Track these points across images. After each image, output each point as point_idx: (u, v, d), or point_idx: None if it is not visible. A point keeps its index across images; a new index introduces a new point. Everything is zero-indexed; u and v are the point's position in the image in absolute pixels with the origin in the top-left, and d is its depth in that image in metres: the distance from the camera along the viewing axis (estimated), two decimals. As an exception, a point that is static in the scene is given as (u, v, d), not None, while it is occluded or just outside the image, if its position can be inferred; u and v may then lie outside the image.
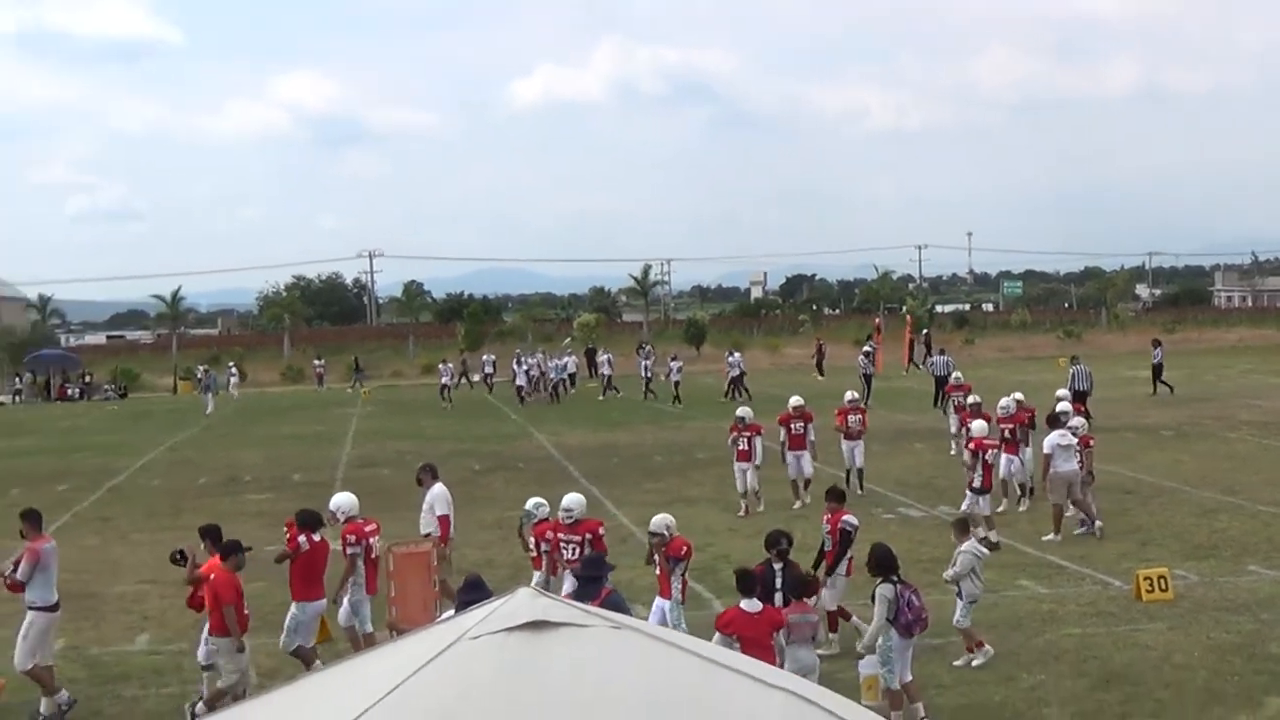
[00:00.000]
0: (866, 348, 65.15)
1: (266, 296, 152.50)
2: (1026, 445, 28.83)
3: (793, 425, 30.23)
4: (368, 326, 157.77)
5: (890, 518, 28.42)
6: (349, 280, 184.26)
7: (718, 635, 13.83)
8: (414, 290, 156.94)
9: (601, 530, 18.66)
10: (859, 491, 30.37)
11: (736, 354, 68.25)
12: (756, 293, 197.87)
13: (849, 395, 32.75)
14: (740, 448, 29.67)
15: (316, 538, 17.93)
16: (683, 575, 17.43)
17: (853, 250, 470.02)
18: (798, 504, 29.43)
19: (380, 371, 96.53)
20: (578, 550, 18.12)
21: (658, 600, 17.38)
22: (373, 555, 18.68)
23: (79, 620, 20.74)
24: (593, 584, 14.75)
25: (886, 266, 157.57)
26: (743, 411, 30.76)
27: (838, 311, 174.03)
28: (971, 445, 26.21)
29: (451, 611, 14.30)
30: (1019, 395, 30.66)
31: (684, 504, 30.09)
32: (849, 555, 19.02)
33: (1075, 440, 26.24)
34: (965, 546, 17.86)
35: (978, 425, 27.03)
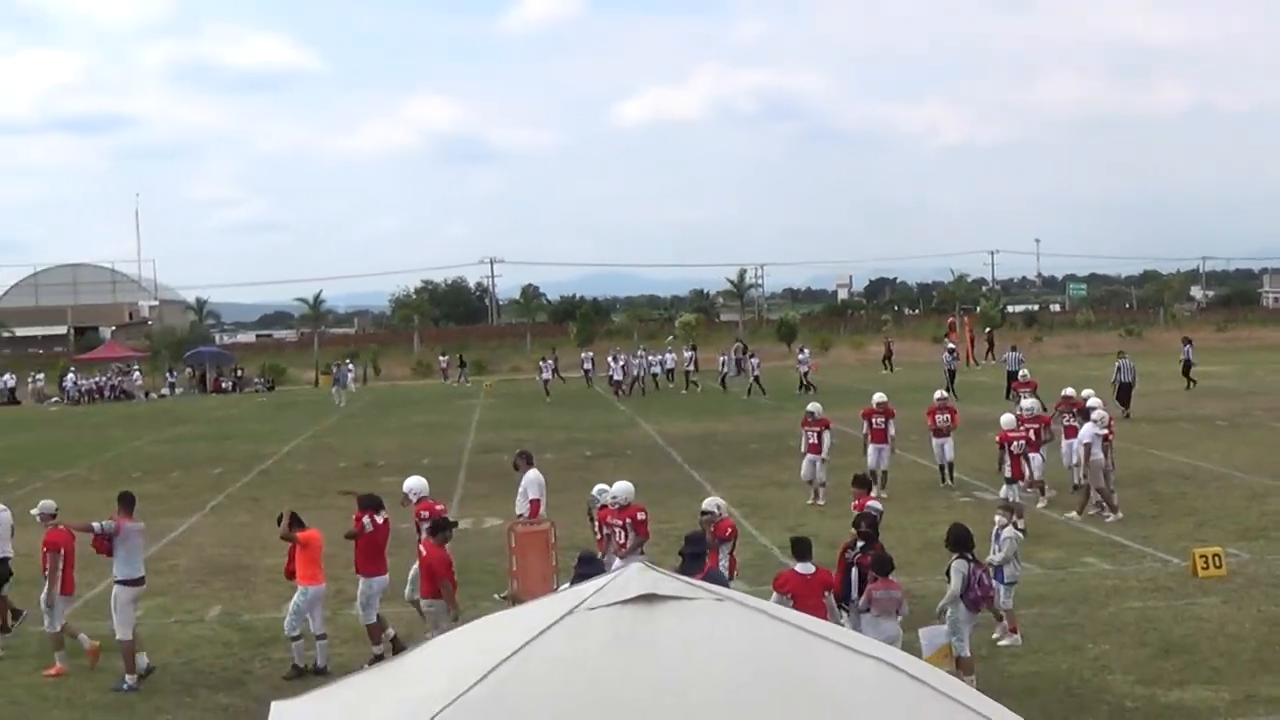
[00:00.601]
0: (950, 345, 64.64)
1: (398, 299, 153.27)
2: (1071, 439, 28.15)
3: (874, 420, 29.39)
4: (489, 326, 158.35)
5: (966, 500, 28.18)
6: (472, 284, 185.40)
7: (774, 595, 13.89)
8: (531, 293, 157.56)
9: (641, 515, 18.20)
10: (946, 483, 29.77)
11: (805, 352, 68.64)
12: (843, 294, 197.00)
13: (938, 394, 31.47)
14: (810, 441, 28.85)
15: (380, 519, 18.00)
16: (730, 553, 17.34)
17: (930, 255, 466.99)
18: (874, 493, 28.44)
19: (500, 367, 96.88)
20: (622, 533, 18.03)
21: None
22: None
23: (233, 589, 20.97)
24: (695, 560, 14.70)
25: (962, 270, 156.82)
26: (813, 407, 29.86)
27: (917, 312, 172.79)
28: (998, 438, 25.95)
29: (568, 584, 14.34)
30: (1069, 390, 30.10)
31: (777, 488, 30.01)
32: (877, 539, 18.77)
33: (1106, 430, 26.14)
34: (1008, 532, 17.65)
35: (1005, 419, 26.75)
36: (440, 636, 7.38)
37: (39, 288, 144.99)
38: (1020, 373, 41.59)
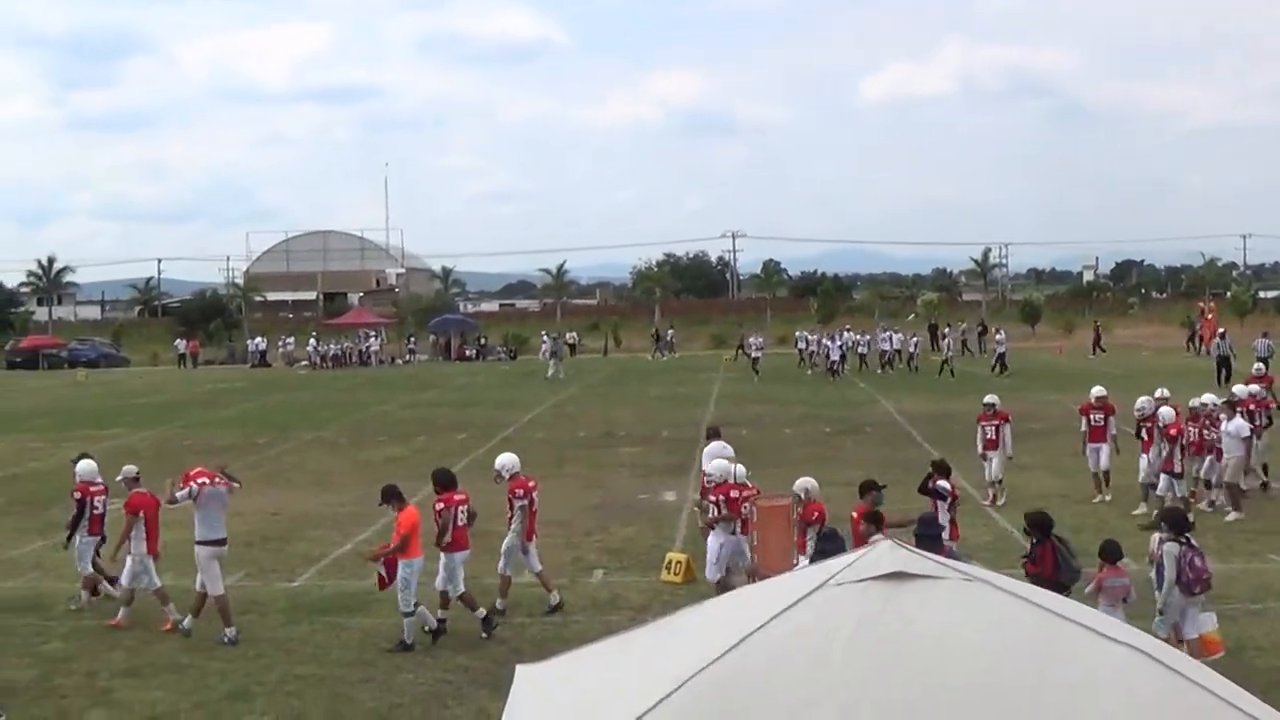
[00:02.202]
0: (1220, 329, 62.84)
1: (639, 271, 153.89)
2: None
3: (1092, 416, 26.96)
4: (729, 300, 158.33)
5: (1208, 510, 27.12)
6: (713, 258, 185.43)
7: None
8: (772, 268, 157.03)
9: (735, 494, 18.21)
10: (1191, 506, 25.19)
11: (1002, 333, 68.26)
12: (1088, 276, 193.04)
13: (1202, 400, 27.49)
14: (987, 436, 26.88)
15: (459, 497, 18.16)
16: (816, 536, 17.29)
17: (1179, 238, 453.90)
18: (1098, 498, 26.44)
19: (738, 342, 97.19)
20: (714, 509, 18.25)
21: (800, 557, 17.27)
22: (534, 508, 19.07)
23: (476, 554, 21.32)
24: (931, 541, 14.56)
25: (1212, 254, 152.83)
26: (990, 399, 27.83)
27: (1164, 295, 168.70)
28: (1172, 431, 24.75)
29: (804, 560, 14.33)
30: (1165, 392, 27.43)
31: (1017, 470, 29.34)
32: (951, 519, 18.40)
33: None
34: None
35: (1165, 412, 24.98)
36: (688, 609, 7.44)
37: (290, 254, 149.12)
38: (1254, 366, 38.70)
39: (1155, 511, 23.91)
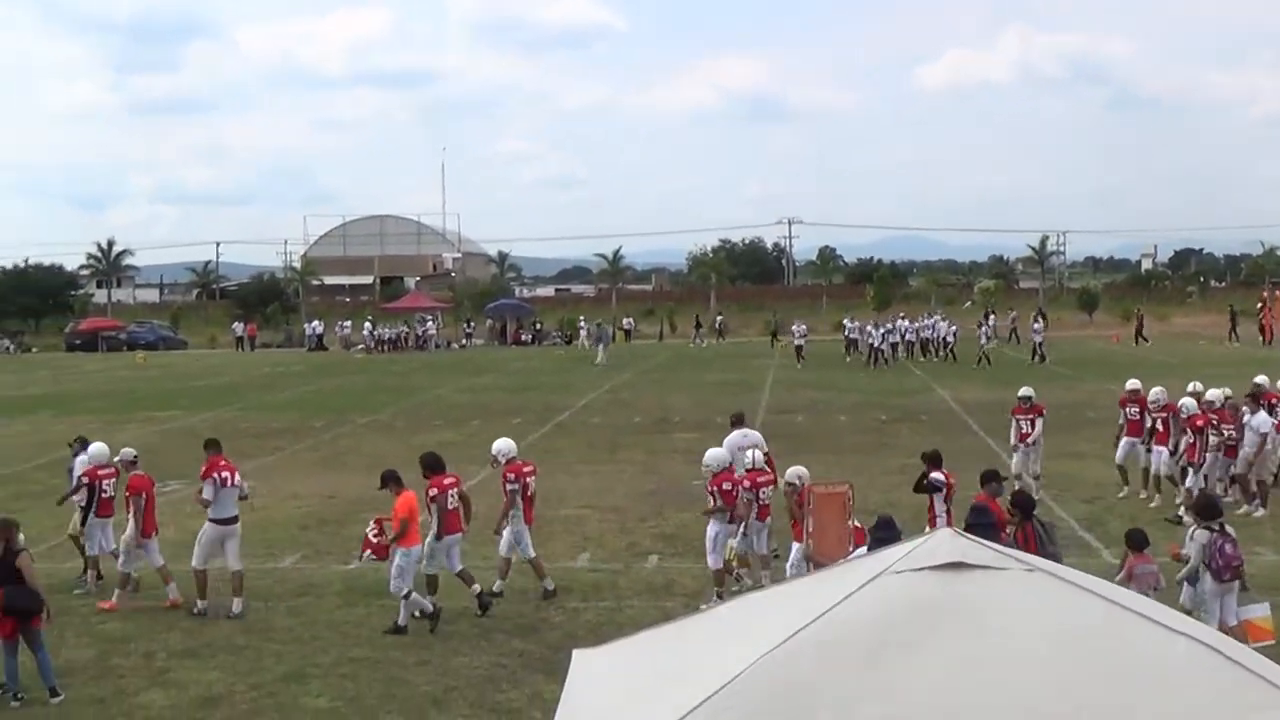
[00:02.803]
0: None
1: (695, 257, 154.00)
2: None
3: (1128, 409, 26.06)
4: (785, 287, 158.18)
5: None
6: (769, 244, 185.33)
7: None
8: (827, 255, 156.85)
9: (728, 485, 18.46)
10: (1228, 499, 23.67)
11: (1040, 321, 67.87)
12: (1146, 264, 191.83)
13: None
14: (1022, 430, 25.89)
15: (452, 494, 18.29)
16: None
17: (1240, 226, 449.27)
18: (1143, 494, 25.56)
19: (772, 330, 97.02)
20: (710, 499, 18.49)
21: (793, 543, 17.33)
22: (529, 492, 19.16)
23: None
24: (985, 530, 14.39)
25: (1272, 243, 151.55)
26: (1026, 391, 26.90)
27: (1223, 284, 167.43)
28: (1199, 422, 24.12)
29: (863, 549, 14.28)
30: (1198, 385, 26.67)
31: (1073, 459, 29.29)
32: (946, 510, 18.21)
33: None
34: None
35: (1187, 403, 24.61)
36: (745, 596, 7.42)
37: (347, 238, 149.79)
38: None
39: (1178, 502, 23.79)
